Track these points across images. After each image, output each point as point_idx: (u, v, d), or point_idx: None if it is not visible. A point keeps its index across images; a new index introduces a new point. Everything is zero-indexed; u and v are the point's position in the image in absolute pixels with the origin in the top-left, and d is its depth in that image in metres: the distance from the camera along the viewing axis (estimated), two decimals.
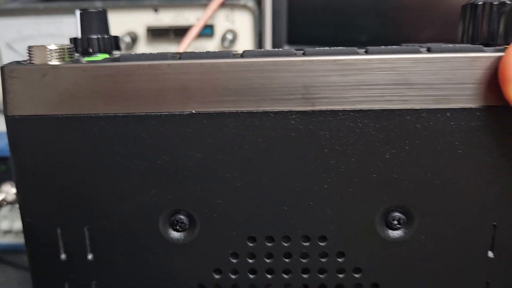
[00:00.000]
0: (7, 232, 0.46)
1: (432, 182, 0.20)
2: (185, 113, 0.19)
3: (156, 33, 0.46)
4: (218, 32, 0.46)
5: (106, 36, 0.23)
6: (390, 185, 0.20)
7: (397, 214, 0.20)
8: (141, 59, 0.19)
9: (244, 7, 0.45)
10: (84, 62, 0.20)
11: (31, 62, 0.20)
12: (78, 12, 0.24)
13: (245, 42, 0.46)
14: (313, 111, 0.19)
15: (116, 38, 0.24)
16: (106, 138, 0.20)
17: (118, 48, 0.24)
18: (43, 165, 0.20)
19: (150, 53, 0.20)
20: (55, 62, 0.20)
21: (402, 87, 0.19)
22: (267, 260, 0.21)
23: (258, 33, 0.47)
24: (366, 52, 0.19)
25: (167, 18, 0.46)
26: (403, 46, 0.19)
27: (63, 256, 0.21)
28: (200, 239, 0.21)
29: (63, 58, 0.20)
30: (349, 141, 0.19)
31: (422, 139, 0.19)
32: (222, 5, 0.45)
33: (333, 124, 0.19)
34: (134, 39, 0.47)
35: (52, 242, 0.21)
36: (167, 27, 0.46)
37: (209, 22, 0.46)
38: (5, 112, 0.20)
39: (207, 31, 0.46)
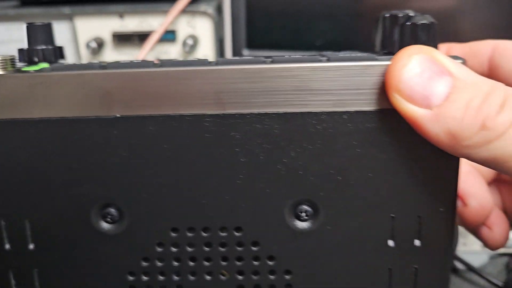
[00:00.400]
0: None
1: (334, 178, 0.22)
2: (110, 116, 0.22)
3: (121, 38, 0.49)
4: (180, 37, 0.48)
5: (50, 47, 0.26)
6: (296, 181, 0.22)
7: (305, 206, 0.23)
8: (72, 69, 0.22)
9: (204, 13, 0.47)
10: (22, 71, 0.22)
11: None
12: (24, 25, 0.26)
13: (206, 47, 0.48)
14: (224, 114, 0.21)
15: (60, 48, 0.26)
16: (40, 140, 0.22)
17: (62, 57, 0.26)
18: None
19: (82, 64, 0.22)
20: None
21: (303, 92, 0.21)
22: (190, 249, 0.23)
23: (218, 38, 0.49)
24: (272, 62, 0.21)
25: (132, 24, 0.48)
26: (306, 56, 0.22)
27: (7, 246, 0.24)
28: (129, 230, 0.23)
29: (5, 67, 0.22)
30: (257, 141, 0.22)
31: (323, 139, 0.22)
32: (183, 12, 0.47)
33: (242, 126, 0.21)
34: (100, 45, 0.49)
35: None
36: (132, 32, 0.48)
37: (172, 28, 0.48)
38: None
39: (170, 36, 0.48)
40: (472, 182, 0.30)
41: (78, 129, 0.22)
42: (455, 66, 0.20)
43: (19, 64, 0.25)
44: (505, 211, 0.32)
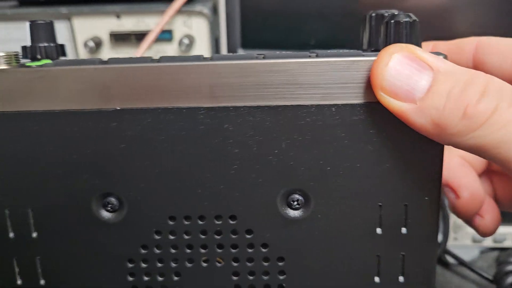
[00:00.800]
0: None
1: (323, 168, 0.23)
2: (109, 109, 0.23)
3: (118, 38, 0.50)
4: (177, 36, 0.49)
5: (52, 44, 0.27)
6: (288, 171, 0.23)
7: (296, 196, 0.24)
8: (73, 64, 0.23)
9: (200, 13, 0.48)
10: (26, 66, 0.23)
11: None
12: (27, 23, 0.27)
13: (202, 46, 0.49)
14: (218, 107, 0.22)
15: (62, 46, 0.27)
16: (41, 132, 0.23)
17: (64, 54, 0.27)
18: None
19: (83, 59, 0.23)
20: (2, 66, 0.23)
21: (293, 86, 0.22)
22: (186, 237, 0.24)
23: (214, 38, 0.50)
24: (263, 58, 0.22)
25: (129, 23, 0.49)
26: (296, 52, 0.23)
27: (11, 234, 0.25)
28: (128, 218, 0.24)
29: (10, 63, 0.23)
30: (249, 132, 0.23)
31: (312, 131, 0.23)
32: (179, 12, 0.48)
33: (235, 118, 0.23)
34: (98, 44, 0.50)
35: (1, 222, 0.24)
36: (129, 32, 0.49)
37: (168, 28, 0.49)
38: None
39: (166, 35, 0.49)
40: (463, 174, 0.31)
41: (78, 121, 0.23)
42: (435, 60, 0.21)
43: (22, 61, 0.26)
44: (496, 199, 0.33)
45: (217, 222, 0.24)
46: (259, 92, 0.22)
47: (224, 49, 0.49)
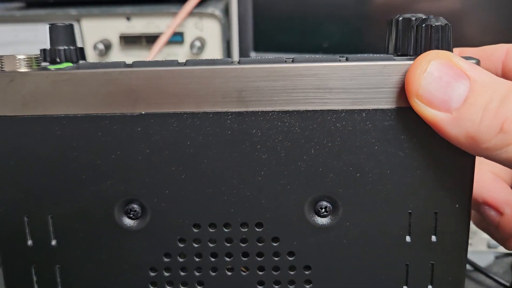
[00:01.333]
0: None
1: (353, 174, 0.23)
2: (135, 114, 0.22)
3: (128, 40, 0.49)
4: (188, 39, 0.49)
5: (72, 47, 0.26)
6: (317, 177, 0.23)
7: (324, 203, 0.23)
8: (98, 67, 0.22)
9: (212, 15, 0.48)
10: (47, 69, 0.23)
11: (2, 69, 0.22)
12: (47, 26, 0.26)
13: (213, 49, 0.49)
14: (246, 112, 0.22)
15: (81, 49, 0.27)
16: (65, 136, 0.22)
17: (83, 58, 0.27)
18: (9, 161, 0.23)
19: (107, 62, 0.23)
20: (23, 69, 0.22)
21: (322, 91, 0.22)
22: (211, 245, 0.24)
23: (226, 40, 0.49)
24: (292, 61, 0.22)
25: (139, 25, 0.49)
26: (325, 56, 0.22)
27: (29, 242, 0.24)
28: (152, 226, 0.23)
29: (30, 66, 0.23)
30: (278, 138, 0.22)
31: (342, 136, 0.22)
32: (191, 14, 0.47)
33: (264, 123, 0.22)
34: (108, 46, 0.49)
35: (19, 229, 0.24)
36: (139, 34, 0.49)
37: (180, 30, 0.48)
38: None
39: (178, 38, 0.49)
40: (500, 190, 0.30)
41: (102, 125, 0.22)
42: (472, 69, 0.21)
43: (42, 64, 0.25)
44: None
45: (242, 230, 0.23)
46: (288, 96, 0.22)
47: (235, 52, 0.49)
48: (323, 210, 0.23)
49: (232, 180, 0.23)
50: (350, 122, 0.22)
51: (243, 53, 0.49)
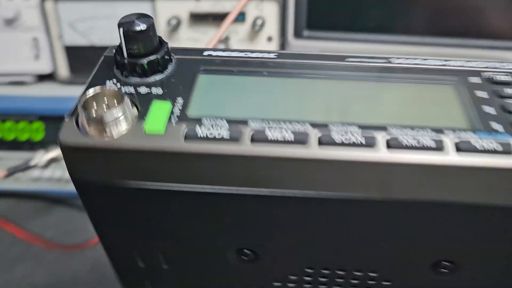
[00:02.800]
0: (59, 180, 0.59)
1: (478, 244, 0.23)
2: (256, 193, 0.21)
3: (197, 18, 0.55)
4: (249, 18, 0.55)
5: (151, 58, 0.22)
6: (441, 243, 0.23)
7: (445, 263, 0.24)
8: (207, 140, 0.20)
9: None
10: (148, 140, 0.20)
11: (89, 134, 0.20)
12: (121, 30, 0.22)
13: (271, 28, 0.55)
14: (386, 200, 0.21)
15: (163, 59, 0.23)
16: (183, 208, 0.22)
17: (165, 67, 0.23)
18: (116, 220, 0.24)
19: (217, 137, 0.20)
20: (123, 126, 0.20)
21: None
22: (322, 280, 0.25)
23: (282, 19, 0.56)
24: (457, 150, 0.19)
25: (207, 5, 0.55)
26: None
27: (141, 264, 0.26)
28: (262, 266, 0.25)
29: (127, 120, 0.20)
30: (413, 220, 0.22)
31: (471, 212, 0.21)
32: None
33: (404, 208, 0.21)
34: (178, 23, 0.55)
35: (130, 257, 0.25)
36: (206, 13, 0.55)
37: (242, 10, 0.54)
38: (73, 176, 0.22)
39: (240, 17, 0.55)
40: None
41: (226, 202, 0.22)
42: None
43: (118, 76, 0.23)
44: None
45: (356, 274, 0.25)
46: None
47: (290, 30, 0.55)
48: (444, 269, 0.24)
49: (354, 241, 0.23)
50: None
51: (297, 31, 0.55)
